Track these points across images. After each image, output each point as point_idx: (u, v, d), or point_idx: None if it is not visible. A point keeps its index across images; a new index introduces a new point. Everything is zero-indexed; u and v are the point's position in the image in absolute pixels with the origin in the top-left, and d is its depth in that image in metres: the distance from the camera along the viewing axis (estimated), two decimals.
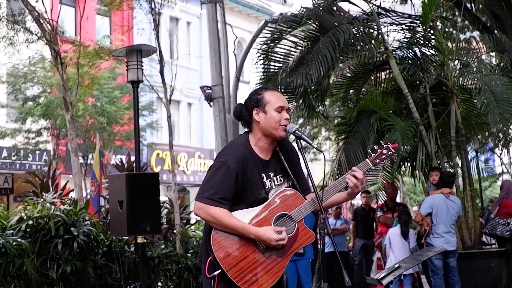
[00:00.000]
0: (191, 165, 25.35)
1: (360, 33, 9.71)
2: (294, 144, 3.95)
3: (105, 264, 7.92)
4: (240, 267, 3.60)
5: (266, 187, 3.80)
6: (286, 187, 3.88)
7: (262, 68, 9.87)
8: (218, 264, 3.60)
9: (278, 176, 3.87)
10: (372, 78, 10.84)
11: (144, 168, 11.32)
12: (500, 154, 17.44)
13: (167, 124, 10.15)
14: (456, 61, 9.98)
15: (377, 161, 3.98)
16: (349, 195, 3.87)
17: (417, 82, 10.35)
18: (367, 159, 3.96)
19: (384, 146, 4.00)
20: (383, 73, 10.84)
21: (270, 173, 3.84)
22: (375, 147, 4.03)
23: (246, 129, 3.93)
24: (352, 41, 9.40)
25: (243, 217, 3.68)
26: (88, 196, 10.65)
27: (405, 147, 9.16)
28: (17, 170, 19.10)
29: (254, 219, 3.70)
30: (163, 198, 10.27)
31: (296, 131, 3.76)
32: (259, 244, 3.66)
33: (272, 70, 9.89)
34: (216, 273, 3.61)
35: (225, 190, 3.65)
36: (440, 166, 9.76)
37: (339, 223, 11.97)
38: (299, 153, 3.93)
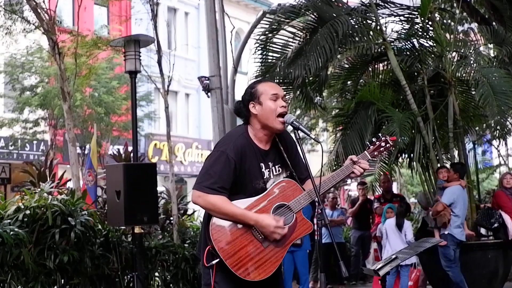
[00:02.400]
0: (188, 156, 25.37)
1: (358, 24, 9.69)
2: (292, 135, 3.96)
3: (102, 254, 7.91)
4: (238, 257, 3.61)
5: (265, 177, 3.81)
6: (284, 177, 3.88)
7: (260, 59, 9.84)
8: (216, 254, 3.61)
9: (276, 166, 3.88)
10: (370, 69, 10.80)
11: (141, 158, 11.31)
12: (498, 146, 17.39)
13: (165, 114, 10.11)
14: (454, 53, 9.95)
15: (375, 153, 4.00)
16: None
17: (415, 73, 10.32)
18: (365, 151, 3.98)
19: (383, 138, 4.01)
20: (381, 65, 10.80)
21: (269, 163, 3.85)
22: (374, 139, 4.04)
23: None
24: (350, 32, 9.39)
25: (242, 207, 3.69)
26: (85, 186, 10.62)
27: (403, 138, 9.14)
28: (14, 160, 19.09)
29: (253, 209, 3.71)
30: (160, 188, 10.29)
31: (294, 122, 3.77)
32: (258, 234, 3.67)
33: (270, 61, 9.85)
34: (214, 262, 3.62)
35: (224, 179, 3.66)
36: (438, 158, 9.77)
37: (336, 214, 11.98)
38: (297, 144, 3.94)
